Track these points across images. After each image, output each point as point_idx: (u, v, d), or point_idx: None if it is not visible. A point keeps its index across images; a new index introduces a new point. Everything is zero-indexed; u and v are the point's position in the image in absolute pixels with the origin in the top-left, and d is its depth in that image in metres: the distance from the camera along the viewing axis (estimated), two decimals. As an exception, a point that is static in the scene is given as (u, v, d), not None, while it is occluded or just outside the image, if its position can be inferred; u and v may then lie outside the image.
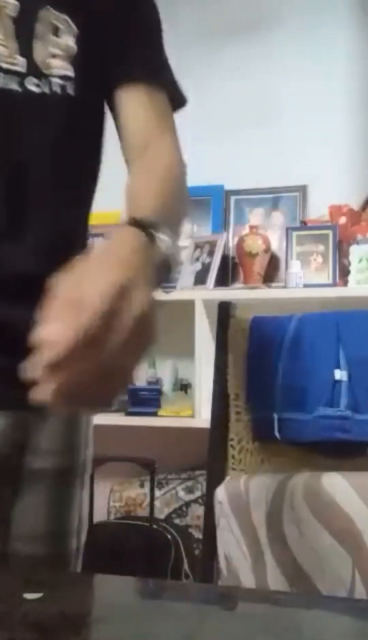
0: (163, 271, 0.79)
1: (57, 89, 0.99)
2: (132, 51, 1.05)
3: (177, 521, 2.72)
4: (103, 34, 1.03)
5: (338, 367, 1.45)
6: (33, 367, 0.61)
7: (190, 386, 2.74)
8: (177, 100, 1.13)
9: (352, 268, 2.52)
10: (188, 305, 2.58)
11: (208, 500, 1.53)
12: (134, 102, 1.05)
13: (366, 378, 1.45)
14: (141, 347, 0.66)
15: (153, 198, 0.92)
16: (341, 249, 2.60)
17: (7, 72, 0.96)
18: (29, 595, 0.71)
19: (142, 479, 2.81)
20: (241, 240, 2.75)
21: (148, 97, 1.05)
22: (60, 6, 0.99)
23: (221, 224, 2.89)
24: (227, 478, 1.48)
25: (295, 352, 1.50)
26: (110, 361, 0.62)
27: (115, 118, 1.07)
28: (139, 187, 0.98)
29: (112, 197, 3.40)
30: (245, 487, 1.42)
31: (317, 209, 2.77)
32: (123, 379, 0.66)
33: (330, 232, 2.62)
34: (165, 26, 1.11)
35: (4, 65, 0.96)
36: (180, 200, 1.00)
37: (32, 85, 0.97)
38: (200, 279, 2.71)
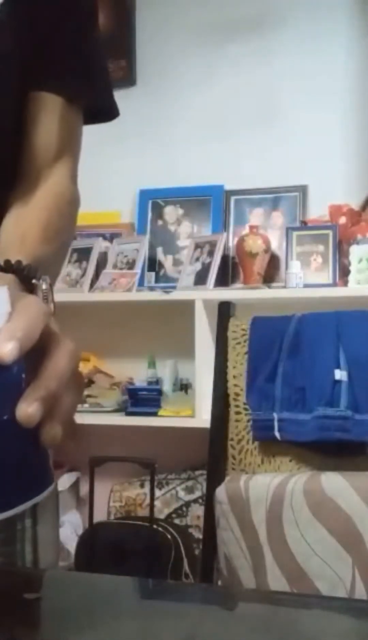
0: None
1: None
2: (57, 58, 0.94)
3: (177, 521, 2.72)
4: (30, 29, 0.92)
5: (338, 367, 1.45)
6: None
7: (190, 386, 2.74)
8: (104, 113, 1.03)
9: (352, 268, 2.52)
10: (188, 305, 2.58)
11: (208, 500, 1.53)
12: (46, 113, 0.94)
13: (366, 378, 1.45)
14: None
15: (41, 241, 0.85)
16: (341, 249, 2.60)
17: None
18: (29, 595, 0.71)
19: (142, 479, 2.81)
20: (241, 240, 2.75)
21: (62, 114, 0.95)
22: None
23: (221, 224, 2.89)
24: (227, 478, 1.48)
25: (295, 352, 1.50)
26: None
27: (21, 118, 0.96)
28: (27, 223, 0.87)
29: (111, 197, 3.40)
30: (245, 487, 1.42)
31: (317, 209, 2.78)
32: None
33: (330, 232, 2.62)
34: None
35: None
36: (66, 237, 0.92)
37: None
38: (200, 279, 2.71)
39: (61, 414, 0.60)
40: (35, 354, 0.60)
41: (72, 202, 0.96)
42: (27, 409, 0.57)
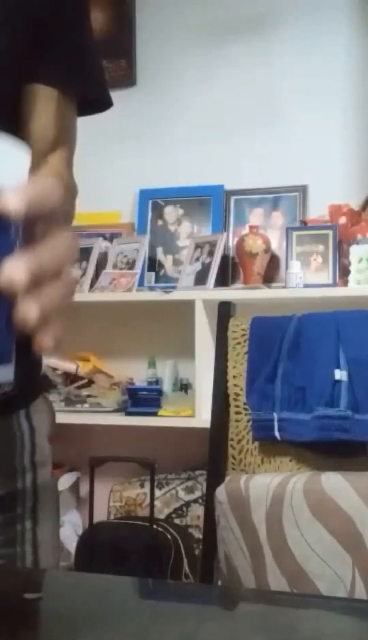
0: None
1: None
2: (52, 49, 0.96)
3: (177, 521, 2.72)
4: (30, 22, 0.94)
5: (338, 367, 1.46)
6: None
7: (190, 386, 2.74)
8: (98, 104, 1.04)
9: (352, 268, 2.52)
10: (188, 305, 2.58)
11: (208, 500, 1.53)
12: (42, 105, 0.96)
13: (366, 378, 1.45)
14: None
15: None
16: (341, 249, 2.60)
17: None
18: (29, 596, 0.71)
19: (142, 479, 2.81)
20: (241, 240, 2.75)
21: (58, 105, 0.97)
22: None
23: (221, 224, 2.89)
24: (227, 478, 1.49)
25: (295, 352, 1.50)
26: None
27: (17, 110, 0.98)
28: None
29: (111, 197, 3.40)
30: (245, 487, 1.42)
31: (317, 209, 2.77)
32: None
33: (330, 232, 2.62)
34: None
35: None
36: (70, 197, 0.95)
37: None
38: (200, 279, 2.71)
39: (43, 298, 0.56)
40: (35, 236, 0.58)
41: (68, 188, 0.97)
42: (12, 271, 0.54)
